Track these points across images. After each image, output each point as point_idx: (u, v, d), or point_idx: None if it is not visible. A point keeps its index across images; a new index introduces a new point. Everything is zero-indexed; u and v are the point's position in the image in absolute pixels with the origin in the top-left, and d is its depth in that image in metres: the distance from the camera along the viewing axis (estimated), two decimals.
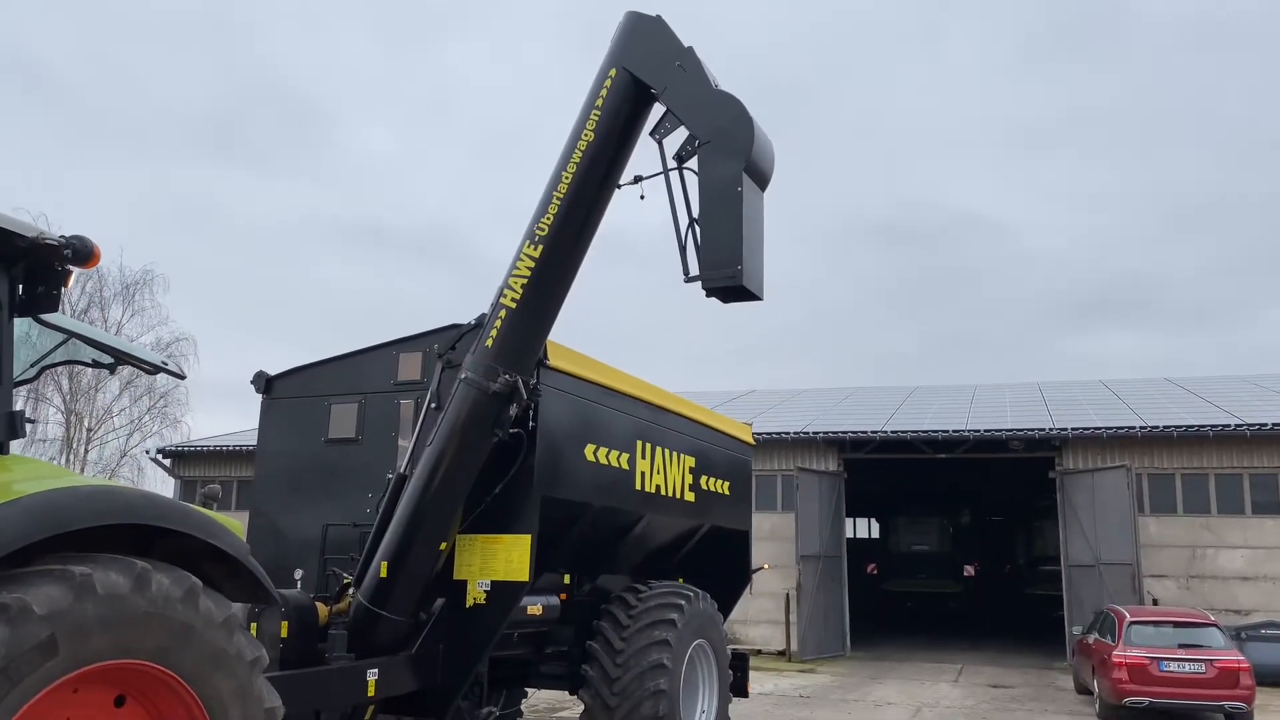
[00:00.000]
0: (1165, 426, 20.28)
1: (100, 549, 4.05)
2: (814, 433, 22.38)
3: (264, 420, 8.29)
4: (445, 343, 7.40)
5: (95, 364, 5.45)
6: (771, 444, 21.56)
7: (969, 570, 31.95)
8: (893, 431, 22.07)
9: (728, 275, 6.23)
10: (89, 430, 33.17)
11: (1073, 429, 20.92)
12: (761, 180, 6.56)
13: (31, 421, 4.74)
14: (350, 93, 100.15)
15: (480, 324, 7.07)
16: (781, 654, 20.92)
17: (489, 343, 6.85)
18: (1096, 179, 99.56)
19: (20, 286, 4.36)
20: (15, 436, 4.27)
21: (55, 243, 4.23)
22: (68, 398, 32.66)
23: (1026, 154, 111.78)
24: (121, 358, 5.13)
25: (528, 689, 9.77)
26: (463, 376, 6.88)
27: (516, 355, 6.86)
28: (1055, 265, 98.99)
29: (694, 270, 6.42)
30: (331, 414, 7.96)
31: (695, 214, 6.52)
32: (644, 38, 6.81)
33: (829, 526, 21.92)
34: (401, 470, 7.19)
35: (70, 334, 4.82)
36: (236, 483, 26.31)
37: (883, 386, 32.28)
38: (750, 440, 11.15)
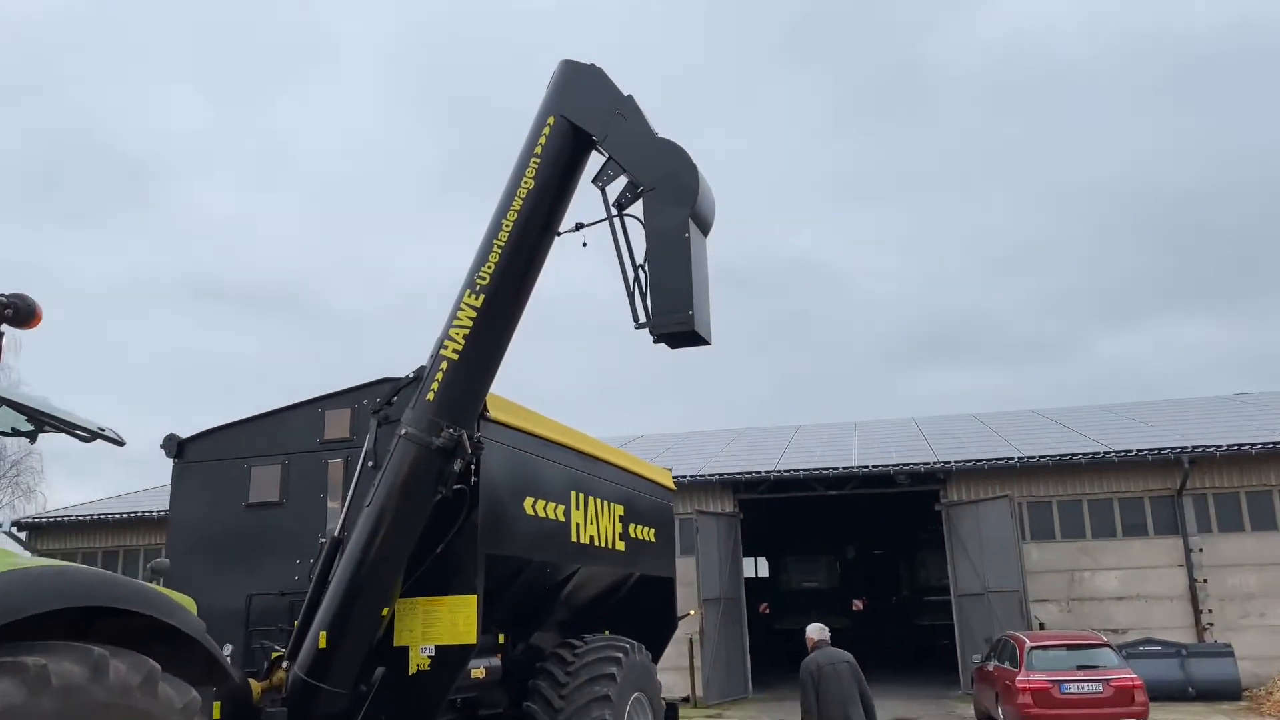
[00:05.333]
0: (1041, 456, 21.27)
1: (45, 630, 3.69)
2: (710, 474, 22.54)
3: (176, 486, 7.76)
4: (380, 397, 7.10)
5: (14, 432, 4.98)
6: None
7: (857, 605, 32.47)
8: (785, 470, 22.43)
9: (679, 321, 6.20)
10: None
11: (956, 462, 21.70)
12: (704, 226, 6.58)
13: None
14: (179, 153, 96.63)
15: (419, 377, 6.82)
16: (686, 700, 20.75)
17: (430, 396, 6.60)
18: (918, 225, 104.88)
19: None
20: None
21: None
22: None
23: (852, 205, 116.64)
24: (53, 424, 4.69)
25: None
26: (402, 432, 6.60)
27: (459, 408, 6.63)
28: (891, 307, 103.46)
29: (643, 317, 6.36)
30: (252, 476, 7.51)
31: (641, 260, 6.47)
32: (582, 86, 6.79)
33: (728, 568, 22.01)
34: (335, 533, 6.83)
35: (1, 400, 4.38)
36: (101, 553, 24.77)
37: (768, 426, 32.85)
38: (671, 485, 11.10)
